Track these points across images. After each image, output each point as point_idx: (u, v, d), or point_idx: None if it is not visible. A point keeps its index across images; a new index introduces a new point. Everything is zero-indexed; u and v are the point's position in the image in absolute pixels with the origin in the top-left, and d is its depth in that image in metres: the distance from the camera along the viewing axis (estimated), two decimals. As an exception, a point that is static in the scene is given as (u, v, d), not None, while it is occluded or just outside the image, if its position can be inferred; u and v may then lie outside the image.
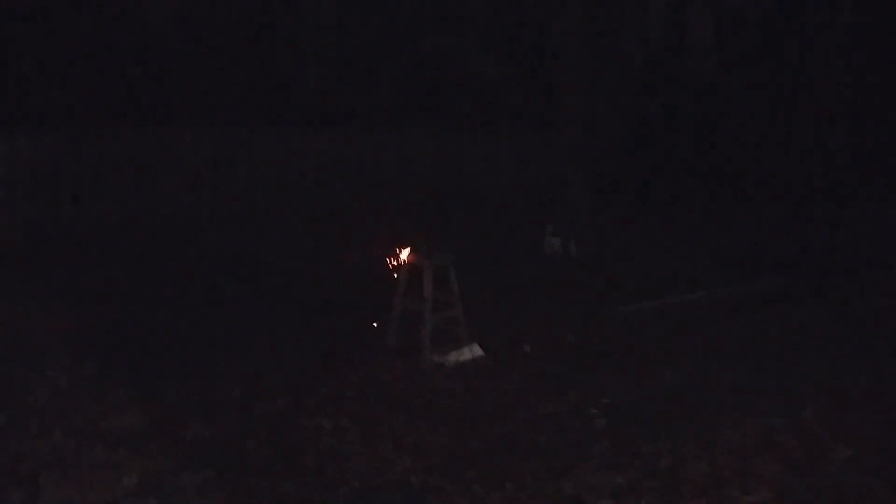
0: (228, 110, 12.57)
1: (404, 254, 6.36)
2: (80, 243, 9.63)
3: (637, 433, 4.83)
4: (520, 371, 5.99)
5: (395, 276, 6.35)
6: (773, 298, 8.13)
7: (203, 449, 4.55)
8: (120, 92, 11.78)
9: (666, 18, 17.59)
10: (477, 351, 6.21)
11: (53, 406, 5.08)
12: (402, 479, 4.23)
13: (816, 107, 15.83)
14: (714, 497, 4.11)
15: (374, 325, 6.47)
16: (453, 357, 6.08)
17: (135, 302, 7.44)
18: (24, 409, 5.03)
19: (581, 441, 4.78)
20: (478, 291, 7.19)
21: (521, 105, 14.98)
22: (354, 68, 14.80)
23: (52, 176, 10.57)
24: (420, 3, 15.45)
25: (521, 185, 13.99)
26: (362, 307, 6.89)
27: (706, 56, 17.17)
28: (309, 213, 11.65)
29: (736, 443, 4.70)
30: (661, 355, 6.37)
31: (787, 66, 16.01)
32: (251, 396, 5.31)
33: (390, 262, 6.44)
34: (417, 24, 15.51)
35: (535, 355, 6.36)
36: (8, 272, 8.50)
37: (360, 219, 10.67)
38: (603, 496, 4.08)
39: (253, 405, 5.16)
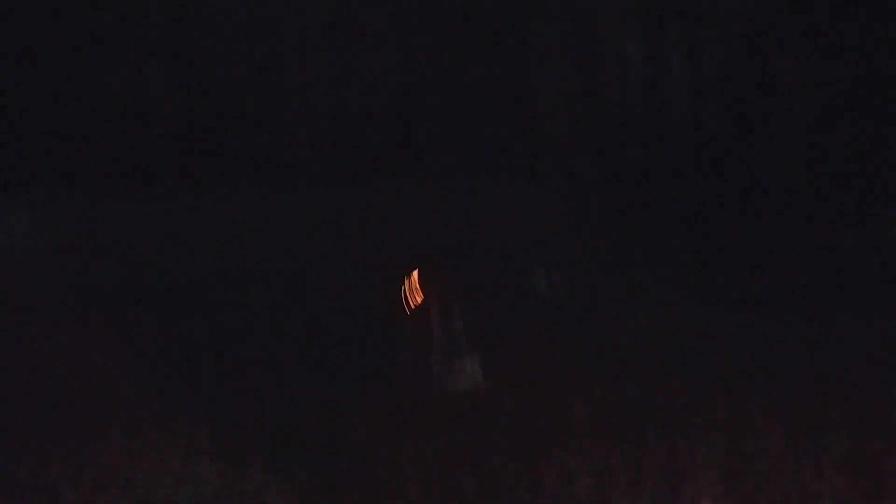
0: (238, 172, 13.81)
1: (414, 286, 7.63)
2: (124, 297, 10.82)
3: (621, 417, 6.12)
4: (517, 379, 7.25)
5: (408, 306, 7.62)
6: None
7: (260, 443, 5.78)
8: (153, 160, 13.04)
9: (644, 61, 18.86)
10: (477, 369, 7.43)
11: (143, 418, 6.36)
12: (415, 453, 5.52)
13: (803, 132, 16.94)
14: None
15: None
16: (458, 376, 7.32)
17: (187, 343, 8.69)
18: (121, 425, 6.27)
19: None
20: (477, 320, 8.41)
21: (504, 153, 16.20)
22: (341, 126, 16.01)
23: (93, 236, 11.78)
24: (402, 62, 16.74)
25: (508, 228, 15.16)
26: (382, 334, 8.12)
27: (686, 93, 18.39)
28: (325, 262, 12.87)
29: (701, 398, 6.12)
30: (648, 358, 7.67)
31: (767, 97, 17.17)
32: (296, 412, 6.57)
33: (403, 296, 7.71)
34: (400, 82, 16.77)
35: (529, 367, 7.61)
36: (64, 326, 9.69)
37: (369, 264, 11.89)
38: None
39: (298, 418, 6.42)
